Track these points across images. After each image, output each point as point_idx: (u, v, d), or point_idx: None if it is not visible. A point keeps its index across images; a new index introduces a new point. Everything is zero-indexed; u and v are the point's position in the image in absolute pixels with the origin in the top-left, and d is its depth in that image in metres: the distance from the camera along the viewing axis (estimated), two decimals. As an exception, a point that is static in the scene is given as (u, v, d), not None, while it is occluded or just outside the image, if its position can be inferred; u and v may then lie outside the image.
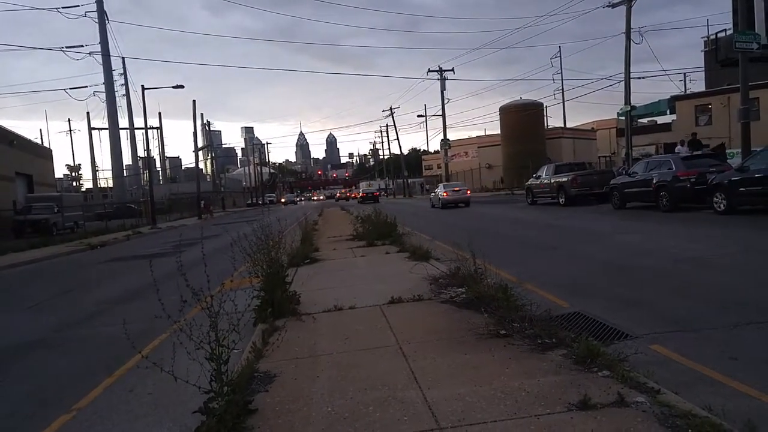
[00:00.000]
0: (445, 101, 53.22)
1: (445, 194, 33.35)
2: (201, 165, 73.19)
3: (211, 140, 79.54)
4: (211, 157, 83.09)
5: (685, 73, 72.90)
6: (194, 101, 53.46)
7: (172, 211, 49.88)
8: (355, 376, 4.63)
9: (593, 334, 5.46)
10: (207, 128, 76.92)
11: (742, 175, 14.89)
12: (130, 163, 73.28)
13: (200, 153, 63.76)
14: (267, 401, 4.21)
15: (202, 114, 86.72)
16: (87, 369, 6.29)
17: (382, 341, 5.57)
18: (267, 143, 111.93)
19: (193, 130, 55.43)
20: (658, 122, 53.59)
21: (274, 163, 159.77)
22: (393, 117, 74.51)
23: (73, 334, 8.03)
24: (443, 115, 54.24)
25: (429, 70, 52.16)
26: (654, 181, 18.37)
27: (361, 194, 64.36)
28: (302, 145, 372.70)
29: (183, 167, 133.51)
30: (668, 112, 50.58)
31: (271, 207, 60.96)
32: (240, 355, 5.16)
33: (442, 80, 51.60)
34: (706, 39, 46.84)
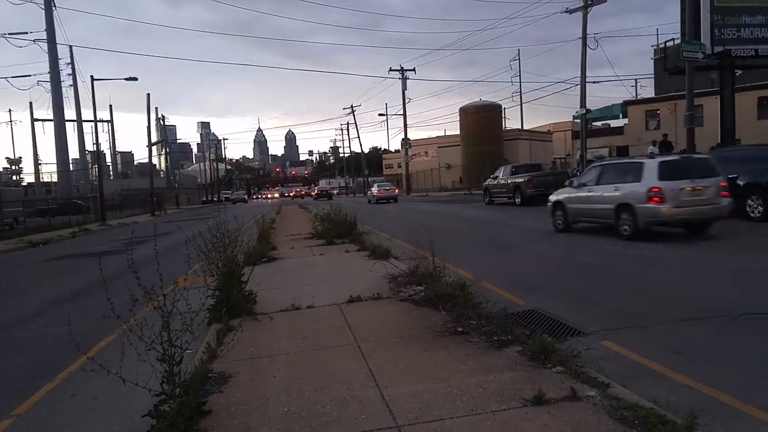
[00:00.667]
0: (406, 101, 53.48)
1: (378, 192, 40.77)
2: (155, 160, 71.13)
3: (166, 135, 77.49)
4: (166, 153, 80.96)
5: (636, 79, 75.70)
6: (148, 95, 51.68)
7: (123, 207, 48.22)
8: (313, 375, 4.60)
9: (547, 331, 5.57)
10: (161, 123, 74.86)
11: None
12: (78, 157, 70.45)
13: (154, 148, 61.98)
14: (221, 402, 4.13)
15: (156, 108, 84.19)
16: (28, 372, 6.02)
17: (341, 340, 5.54)
18: (224, 139, 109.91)
19: (146, 125, 53.56)
20: (612, 126, 55.27)
21: (231, 160, 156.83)
22: (354, 115, 74.53)
23: (12, 335, 7.67)
24: (404, 115, 54.52)
25: (390, 69, 52.33)
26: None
27: (316, 191, 65.33)
28: (260, 142, 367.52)
29: (135, 162, 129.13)
30: (621, 116, 52.26)
31: (227, 205, 59.94)
32: (193, 356, 5.04)
33: (404, 79, 51.83)
34: (655, 47, 48.66)
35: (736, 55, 19.95)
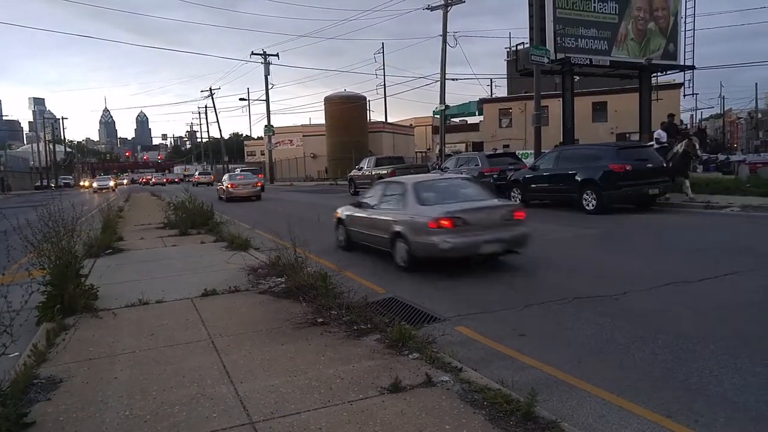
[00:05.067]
0: (270, 86, 52.07)
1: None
2: (-25, 139, 61.79)
3: (-12, 110, 67.39)
4: (-12, 130, 70.51)
5: (491, 79, 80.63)
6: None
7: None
8: (160, 374, 4.28)
9: (406, 319, 5.69)
10: (-17, 96, 65.01)
11: (533, 173, 16.87)
12: None
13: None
14: (48, 411, 3.67)
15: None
16: None
17: (193, 336, 5.23)
18: (63, 118, 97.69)
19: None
20: (469, 122, 58.56)
21: (72, 141, 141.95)
22: (213, 98, 71.03)
23: None
24: (267, 100, 53.01)
25: (253, 53, 50.52)
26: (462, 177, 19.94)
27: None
28: (107, 123, 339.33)
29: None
30: (477, 113, 55.49)
31: (67, 191, 54.05)
32: (17, 361, 4.43)
33: (266, 64, 50.35)
34: (508, 49, 52.35)
35: (574, 63, 22.02)
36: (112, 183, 56.56)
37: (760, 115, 78.51)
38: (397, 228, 8.30)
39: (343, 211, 10.82)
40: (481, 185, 10.20)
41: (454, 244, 7.55)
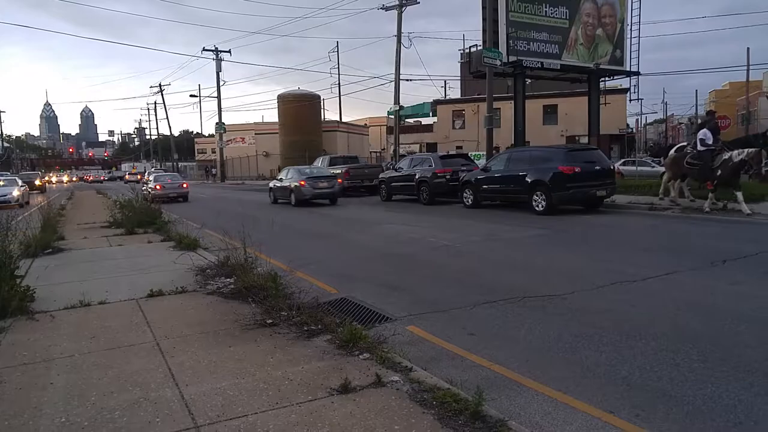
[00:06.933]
0: (221, 83, 51.06)
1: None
2: None
3: None
4: None
5: (445, 80, 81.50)
6: None
7: None
8: (101, 378, 4.13)
9: (357, 319, 5.67)
10: None
11: (485, 174, 17.13)
12: None
13: None
14: (-23, 420, 3.46)
15: None
16: None
17: (137, 338, 5.06)
18: (0, 111, 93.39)
19: None
20: (423, 123, 59.05)
21: (10, 136, 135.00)
22: (162, 94, 69.06)
23: None
24: (218, 97, 51.97)
25: (204, 49, 49.42)
26: (416, 177, 20.14)
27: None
28: (49, 118, 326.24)
29: None
30: (431, 114, 55.96)
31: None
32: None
33: (218, 61, 49.35)
34: (462, 51, 53.01)
35: (526, 66, 22.49)
36: (16, 192, 26.13)
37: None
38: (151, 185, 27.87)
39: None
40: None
41: (161, 193, 26.06)
